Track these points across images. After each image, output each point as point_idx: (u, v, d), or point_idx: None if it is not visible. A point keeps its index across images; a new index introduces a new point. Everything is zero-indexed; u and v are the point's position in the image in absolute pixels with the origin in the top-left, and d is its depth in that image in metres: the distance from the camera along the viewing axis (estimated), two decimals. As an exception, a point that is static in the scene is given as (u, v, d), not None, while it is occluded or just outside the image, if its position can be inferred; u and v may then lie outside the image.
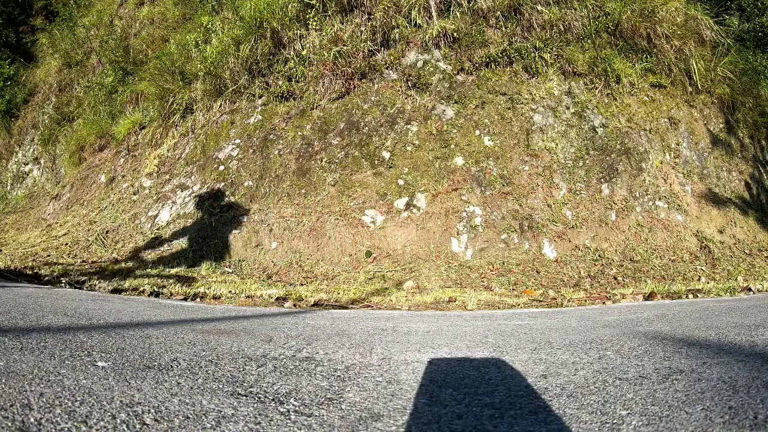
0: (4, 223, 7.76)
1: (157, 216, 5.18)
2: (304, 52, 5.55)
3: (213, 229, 4.75)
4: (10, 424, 0.74)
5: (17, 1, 10.08)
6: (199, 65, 6.00)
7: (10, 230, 7.17)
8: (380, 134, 5.01)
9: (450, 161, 4.78)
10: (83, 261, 4.56)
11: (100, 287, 3.57)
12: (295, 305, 3.20)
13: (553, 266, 4.15)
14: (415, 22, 5.42)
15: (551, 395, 1.06)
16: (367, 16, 5.57)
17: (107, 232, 5.23)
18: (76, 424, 0.78)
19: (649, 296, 3.39)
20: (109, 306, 2.51)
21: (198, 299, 3.35)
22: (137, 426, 0.80)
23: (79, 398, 0.90)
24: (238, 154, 5.38)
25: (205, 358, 1.36)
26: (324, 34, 5.46)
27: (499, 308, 3.11)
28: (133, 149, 6.57)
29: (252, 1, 5.76)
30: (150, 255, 4.60)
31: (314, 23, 5.52)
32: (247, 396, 1.02)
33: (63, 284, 3.60)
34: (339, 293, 3.52)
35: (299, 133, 5.26)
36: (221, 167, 5.33)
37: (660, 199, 4.74)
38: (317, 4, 5.53)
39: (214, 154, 5.50)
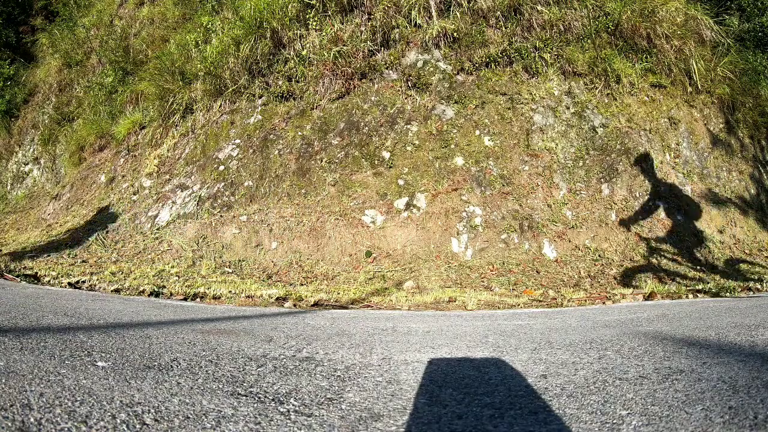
0: (4, 223, 7.76)
1: (157, 216, 5.18)
2: (304, 52, 5.55)
3: (213, 228, 4.75)
4: (10, 424, 0.74)
5: (17, 1, 10.08)
6: (199, 65, 6.00)
7: (10, 230, 7.17)
8: (380, 134, 5.01)
9: (450, 161, 4.78)
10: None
11: (100, 287, 3.57)
12: (295, 305, 3.20)
13: (553, 266, 4.15)
14: (415, 22, 5.42)
15: (551, 395, 1.06)
16: (367, 16, 5.57)
17: (107, 232, 5.23)
18: (76, 424, 0.78)
19: (649, 296, 3.39)
20: (109, 306, 2.51)
21: (198, 299, 3.35)
22: (137, 426, 0.80)
23: (79, 398, 0.90)
24: (238, 154, 5.38)
25: (205, 358, 1.36)
26: (324, 34, 5.46)
27: (499, 308, 3.10)
28: (133, 149, 6.57)
29: (252, 1, 5.76)
30: (151, 255, 4.60)
31: (314, 23, 5.52)
32: (247, 396, 1.02)
33: (63, 284, 3.60)
34: (339, 293, 3.51)
35: (299, 133, 5.26)
36: (221, 167, 5.33)
37: (660, 199, 4.73)
38: (317, 4, 5.53)
39: (214, 154, 5.50)
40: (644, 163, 4.68)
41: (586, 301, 3.36)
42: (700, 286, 3.58)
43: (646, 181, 4.76)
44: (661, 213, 4.57)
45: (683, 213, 4.67)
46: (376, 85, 5.40)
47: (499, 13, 5.43)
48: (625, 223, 4.43)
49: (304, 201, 4.77)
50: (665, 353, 1.44)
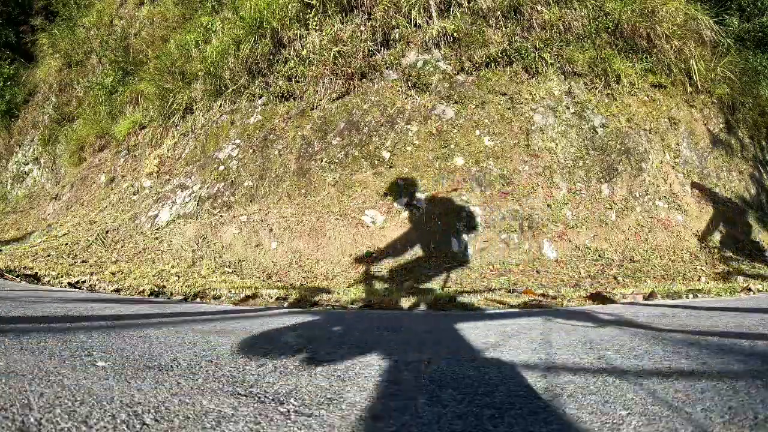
0: (4, 223, 7.76)
1: (157, 216, 5.18)
2: (304, 52, 5.54)
3: (213, 228, 4.75)
4: (10, 424, 0.74)
5: (17, 1, 10.08)
6: (199, 65, 6.00)
7: (10, 230, 7.17)
8: (380, 134, 5.01)
9: (450, 161, 4.78)
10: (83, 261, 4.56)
11: (100, 287, 3.57)
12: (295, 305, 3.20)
13: (553, 266, 4.15)
14: (415, 22, 5.42)
15: (551, 395, 1.06)
16: (367, 16, 5.57)
17: (107, 232, 5.23)
18: (76, 424, 0.78)
19: (649, 296, 3.39)
20: (109, 306, 2.51)
21: (198, 299, 3.35)
22: (137, 426, 0.80)
23: (79, 398, 0.90)
24: (238, 154, 5.38)
25: (205, 358, 1.36)
26: (324, 34, 5.46)
27: (499, 308, 3.10)
28: (133, 149, 6.57)
29: (252, 1, 5.76)
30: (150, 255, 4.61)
31: (314, 23, 5.52)
32: (247, 396, 1.02)
33: (63, 284, 3.60)
34: (339, 293, 3.51)
35: (299, 133, 5.26)
36: (221, 167, 5.33)
37: (660, 199, 4.73)
38: (317, 4, 5.53)
39: (214, 154, 5.50)
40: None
41: (586, 301, 3.36)
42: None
43: (647, 181, 4.76)
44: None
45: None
46: (376, 85, 5.40)
47: (499, 13, 5.43)
48: None
49: (304, 201, 4.77)
50: (665, 353, 1.44)
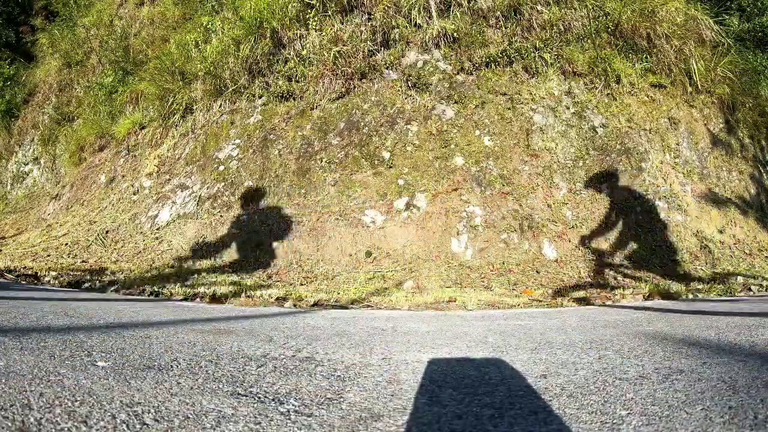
0: (4, 223, 7.76)
1: (157, 216, 5.18)
2: (304, 52, 5.54)
3: (213, 228, 4.75)
4: (10, 424, 0.74)
5: (17, 1, 10.08)
6: (199, 65, 6.00)
7: (10, 230, 7.17)
8: (380, 134, 5.01)
9: (450, 161, 4.78)
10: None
11: (100, 287, 3.57)
12: (295, 305, 3.20)
13: (553, 266, 4.15)
14: (415, 22, 5.42)
15: (551, 395, 1.06)
16: (367, 16, 5.57)
17: (107, 232, 5.23)
18: (76, 424, 0.78)
19: (649, 296, 3.39)
20: (109, 306, 2.51)
21: (198, 299, 3.35)
22: (137, 426, 0.80)
23: (79, 398, 0.90)
24: (238, 154, 5.38)
25: (205, 358, 1.36)
26: (324, 34, 5.46)
27: (499, 308, 3.10)
28: (133, 149, 6.57)
29: (252, 1, 5.76)
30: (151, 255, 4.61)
31: (314, 23, 5.52)
32: (247, 396, 1.02)
33: (64, 284, 3.60)
34: (339, 293, 3.51)
35: (299, 133, 5.26)
36: (221, 167, 5.33)
37: (660, 199, 4.73)
38: (317, 4, 5.52)
39: (214, 154, 5.50)
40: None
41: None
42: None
43: (646, 182, 4.76)
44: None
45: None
46: (376, 85, 5.39)
47: (499, 13, 5.42)
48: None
49: (304, 201, 4.77)
50: (665, 353, 1.44)
